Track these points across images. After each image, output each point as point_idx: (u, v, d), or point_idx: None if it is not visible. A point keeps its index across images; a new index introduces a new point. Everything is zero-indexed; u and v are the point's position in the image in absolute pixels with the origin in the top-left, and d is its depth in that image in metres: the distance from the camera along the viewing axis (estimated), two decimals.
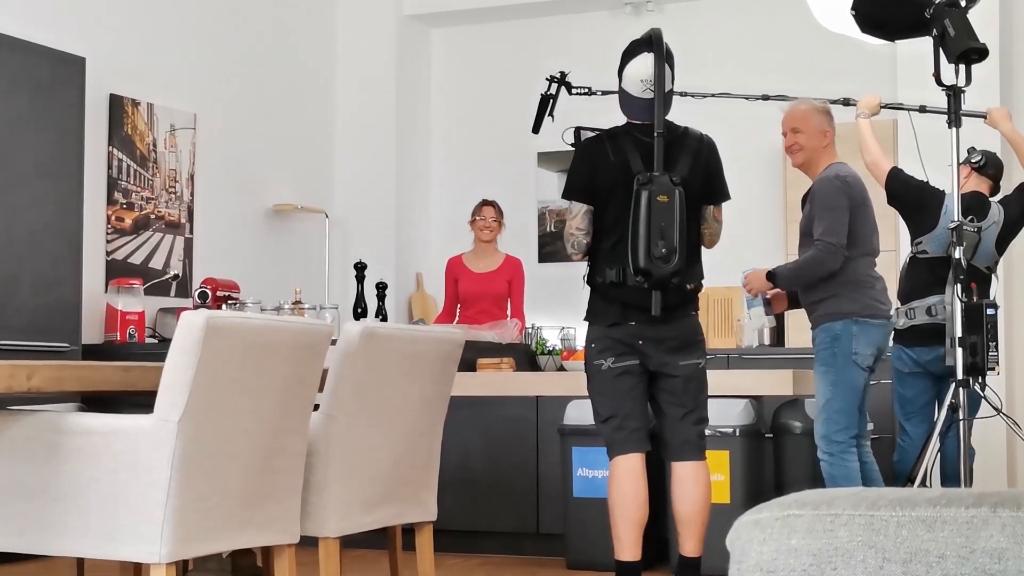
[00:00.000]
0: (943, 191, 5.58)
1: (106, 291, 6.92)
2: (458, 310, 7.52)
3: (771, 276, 5.22)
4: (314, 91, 8.74)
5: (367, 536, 4.13)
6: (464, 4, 8.90)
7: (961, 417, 4.85)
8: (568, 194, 4.48)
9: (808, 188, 5.31)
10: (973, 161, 5.73)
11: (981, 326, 4.92)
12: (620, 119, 4.55)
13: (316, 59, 8.77)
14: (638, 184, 4.30)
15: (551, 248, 8.80)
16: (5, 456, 3.09)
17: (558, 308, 8.24)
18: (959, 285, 4.90)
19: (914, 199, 5.67)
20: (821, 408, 5.06)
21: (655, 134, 4.35)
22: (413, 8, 8.96)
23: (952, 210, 5.03)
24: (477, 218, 7.48)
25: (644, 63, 4.40)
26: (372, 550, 5.60)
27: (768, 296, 5.37)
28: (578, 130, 4.61)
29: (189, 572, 4.15)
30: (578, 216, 4.44)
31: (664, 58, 4.39)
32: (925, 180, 5.63)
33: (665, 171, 4.33)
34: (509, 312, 7.47)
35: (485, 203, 7.51)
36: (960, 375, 4.84)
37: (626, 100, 4.47)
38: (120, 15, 7.16)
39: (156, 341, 6.92)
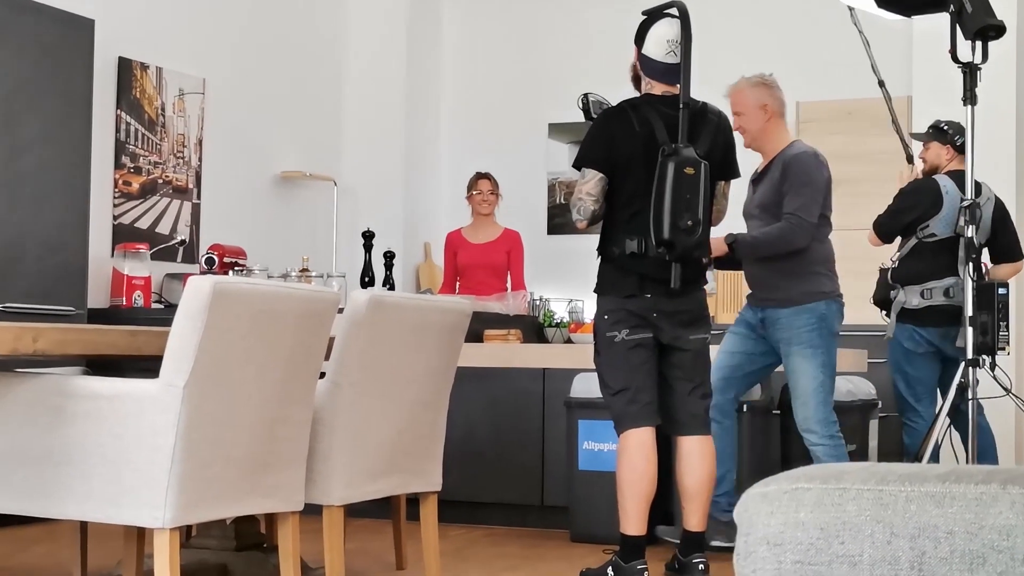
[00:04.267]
0: (932, 178, 5.65)
1: (112, 255, 6.93)
2: (458, 283, 7.55)
3: (731, 242, 4.94)
4: (324, 58, 8.72)
5: (371, 505, 4.14)
6: None
7: (970, 396, 4.85)
8: (581, 162, 4.45)
9: (764, 165, 5.11)
10: (957, 144, 5.72)
11: (992, 305, 4.92)
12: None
13: (326, 26, 8.75)
14: (663, 155, 4.28)
15: (560, 220, 8.79)
16: (10, 419, 3.10)
17: (566, 280, 8.24)
18: (971, 264, 4.90)
19: (910, 205, 5.73)
20: (813, 392, 4.92)
21: (681, 105, 4.33)
22: None
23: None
24: (474, 192, 7.50)
25: (670, 26, 4.39)
26: (376, 519, 5.61)
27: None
28: (587, 97, 4.59)
29: (192, 538, 4.16)
30: (591, 182, 4.41)
31: (690, 29, 4.38)
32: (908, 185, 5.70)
33: (689, 144, 4.33)
34: (509, 284, 7.48)
35: (480, 176, 7.53)
36: (970, 354, 4.84)
37: (647, 66, 4.45)
38: None
39: (162, 306, 6.93)
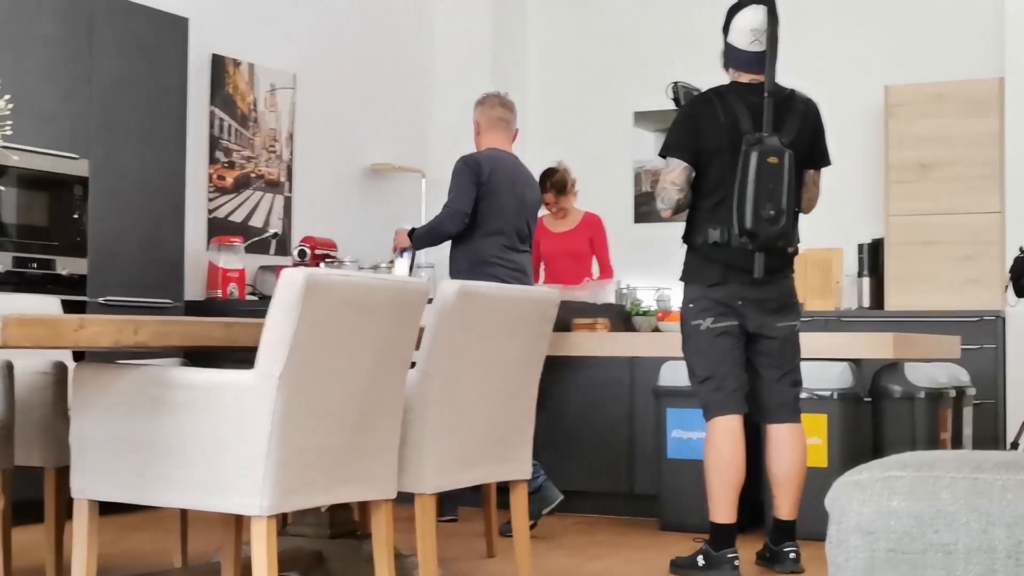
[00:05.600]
0: None
1: (207, 249, 7.03)
2: (542, 269, 7.54)
3: (410, 233, 5.79)
4: (411, 52, 8.76)
5: (462, 493, 4.16)
6: None
7: None
8: (667, 151, 4.43)
9: None
10: None
11: None
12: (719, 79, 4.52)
13: (413, 20, 8.79)
14: (747, 144, 4.25)
15: (647, 208, 8.76)
16: (112, 409, 3.16)
17: (653, 269, 8.21)
18: None
19: None
20: None
21: (765, 94, 4.30)
22: None
23: None
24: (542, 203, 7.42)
25: (754, 14, 4.35)
26: (467, 507, 5.64)
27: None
28: (677, 85, 4.56)
29: (288, 526, 4.22)
30: (675, 171, 4.39)
31: (776, 16, 4.34)
32: None
33: (774, 132, 4.28)
34: (597, 270, 7.43)
35: (542, 188, 7.32)
36: None
37: (733, 55, 4.42)
38: None
39: (256, 298, 7.01)
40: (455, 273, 5.59)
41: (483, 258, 5.50)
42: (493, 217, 5.54)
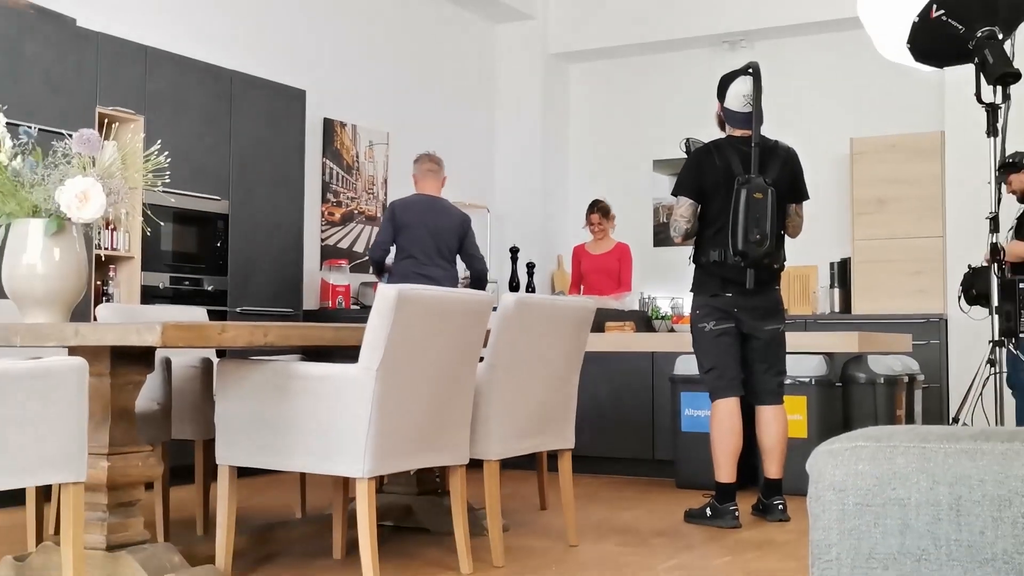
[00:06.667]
0: None
1: (321, 269, 7.09)
2: (582, 285, 7.55)
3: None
4: (479, 114, 8.80)
5: (520, 460, 4.15)
6: (597, 44, 8.87)
7: (996, 371, 4.70)
8: (677, 191, 4.44)
9: None
10: None
11: (1014, 297, 4.75)
12: (716, 134, 4.51)
13: (480, 89, 8.83)
14: (738, 184, 4.25)
15: (663, 235, 8.74)
16: (247, 395, 3.19)
17: (669, 282, 8.19)
18: (996, 264, 4.75)
19: None
20: None
21: (752, 145, 4.30)
22: (556, 48, 8.96)
23: None
24: (587, 223, 7.43)
25: (744, 83, 4.37)
26: (524, 471, 5.64)
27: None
28: (688, 140, 4.57)
29: (384, 485, 4.23)
30: (683, 207, 4.41)
31: (760, 85, 4.34)
32: None
33: (760, 174, 4.28)
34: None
35: (590, 210, 7.38)
36: (996, 336, 4.69)
37: (729, 116, 4.43)
38: (332, 58, 7.30)
39: (358, 308, 7.06)
40: None
41: (404, 277, 5.74)
42: (407, 246, 5.87)
